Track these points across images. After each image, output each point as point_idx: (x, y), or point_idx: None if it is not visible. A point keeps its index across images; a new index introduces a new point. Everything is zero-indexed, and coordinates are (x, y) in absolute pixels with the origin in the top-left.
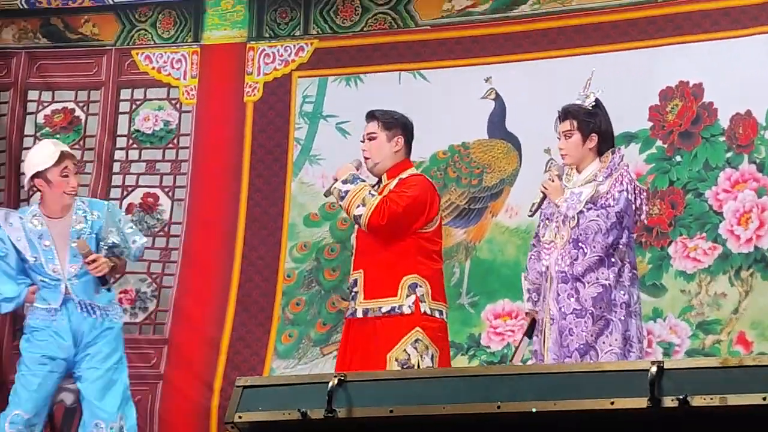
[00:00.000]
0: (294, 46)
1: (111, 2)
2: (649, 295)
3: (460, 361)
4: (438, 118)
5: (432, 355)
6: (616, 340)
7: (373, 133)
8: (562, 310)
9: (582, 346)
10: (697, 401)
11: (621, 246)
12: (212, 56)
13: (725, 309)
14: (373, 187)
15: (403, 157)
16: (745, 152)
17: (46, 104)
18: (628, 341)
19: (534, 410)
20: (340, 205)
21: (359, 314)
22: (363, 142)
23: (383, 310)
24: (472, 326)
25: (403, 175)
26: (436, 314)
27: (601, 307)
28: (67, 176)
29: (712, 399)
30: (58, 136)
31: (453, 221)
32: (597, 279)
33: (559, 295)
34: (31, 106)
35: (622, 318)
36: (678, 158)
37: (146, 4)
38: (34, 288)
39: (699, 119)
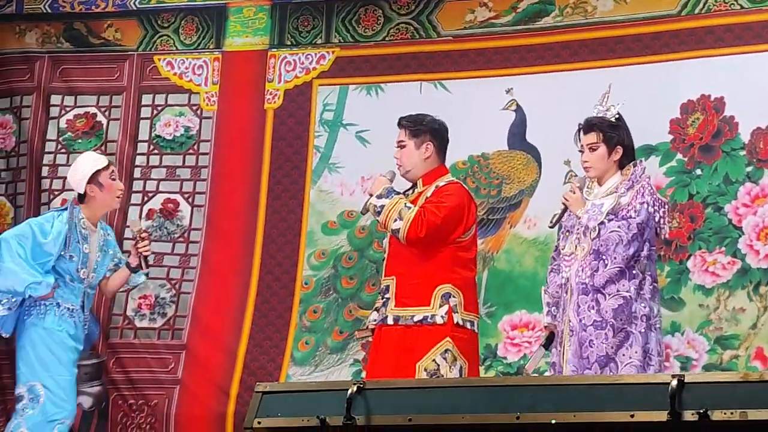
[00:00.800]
0: (315, 54)
1: (134, 8)
2: (667, 309)
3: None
4: (458, 129)
5: (460, 367)
6: (636, 352)
7: (402, 141)
8: (583, 321)
9: (602, 357)
10: (717, 415)
11: (642, 258)
12: (233, 63)
13: (743, 324)
14: (405, 193)
15: (437, 163)
16: (766, 167)
17: (68, 109)
18: (648, 354)
19: (553, 422)
20: (377, 221)
21: (390, 321)
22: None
23: (415, 318)
24: (488, 337)
25: (440, 183)
26: (468, 325)
27: (621, 320)
28: (115, 179)
29: (732, 413)
30: (80, 141)
31: None
32: (618, 291)
33: (579, 306)
34: (54, 111)
35: (643, 331)
36: (698, 172)
37: (169, 10)
38: (56, 285)
39: (720, 133)
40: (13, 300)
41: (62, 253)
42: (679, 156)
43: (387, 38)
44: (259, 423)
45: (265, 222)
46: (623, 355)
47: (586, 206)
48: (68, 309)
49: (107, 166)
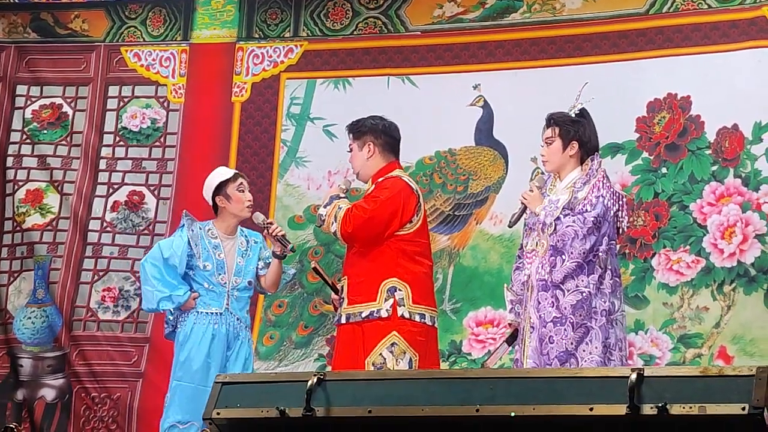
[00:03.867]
0: (283, 47)
1: None
2: (631, 307)
3: (440, 368)
4: (425, 124)
5: (410, 360)
6: (596, 348)
7: (350, 144)
8: (542, 317)
9: (562, 354)
10: (676, 409)
11: (600, 253)
12: (201, 55)
13: (707, 323)
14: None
15: (384, 161)
16: (731, 166)
17: (34, 99)
18: (609, 349)
19: (513, 414)
20: (325, 230)
21: (343, 320)
22: None
23: (363, 315)
24: (453, 333)
25: (380, 179)
26: (416, 318)
27: (581, 315)
28: (243, 191)
29: (691, 408)
30: (45, 131)
31: (437, 227)
32: (577, 286)
33: (539, 303)
34: (19, 101)
35: (603, 326)
36: (664, 170)
37: (136, 1)
38: (196, 295)
39: (686, 132)
40: (171, 318)
41: (195, 263)
42: (645, 154)
43: (355, 32)
44: (218, 413)
45: None
46: (583, 350)
47: (544, 203)
48: (208, 314)
49: (234, 178)
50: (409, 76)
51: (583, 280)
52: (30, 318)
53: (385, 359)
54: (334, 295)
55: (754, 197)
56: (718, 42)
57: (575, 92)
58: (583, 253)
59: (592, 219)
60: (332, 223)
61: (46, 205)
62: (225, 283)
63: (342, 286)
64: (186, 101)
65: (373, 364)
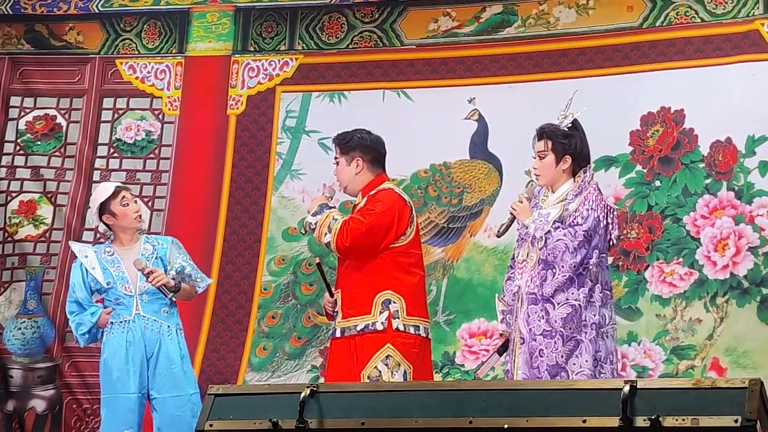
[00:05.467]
0: (279, 60)
1: (96, 11)
2: (624, 319)
3: (434, 379)
4: (420, 137)
5: (405, 372)
6: (586, 361)
7: (336, 158)
8: (532, 331)
9: (551, 367)
10: (669, 422)
11: (591, 266)
12: (196, 68)
13: (700, 335)
14: (355, 207)
15: (372, 175)
16: (724, 179)
17: (28, 110)
18: (599, 362)
19: (506, 426)
20: (315, 238)
21: (338, 334)
22: None
23: (358, 328)
24: (447, 344)
25: (372, 192)
26: (411, 330)
27: (570, 328)
28: (127, 204)
29: (684, 420)
30: (39, 142)
31: (432, 239)
32: (567, 299)
33: (529, 316)
34: (13, 112)
35: (593, 338)
36: (657, 183)
37: (132, 13)
38: (109, 310)
39: (679, 145)
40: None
41: (100, 286)
42: (639, 167)
43: (350, 46)
44: (210, 425)
45: (226, 227)
46: (573, 363)
47: (534, 216)
48: (120, 323)
49: (115, 194)
50: (405, 90)
51: (573, 293)
52: (20, 329)
53: (380, 372)
54: (327, 297)
55: (747, 210)
56: (711, 56)
57: (566, 101)
58: (574, 266)
59: (583, 232)
60: (325, 234)
61: (39, 216)
62: (131, 291)
63: (336, 300)
64: (181, 114)
65: (368, 377)
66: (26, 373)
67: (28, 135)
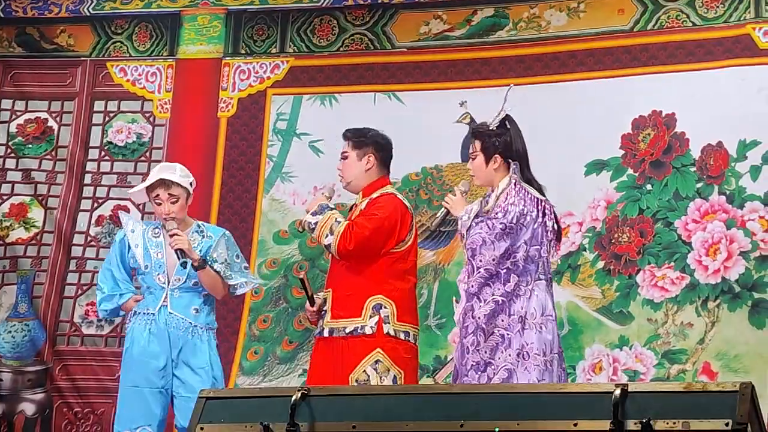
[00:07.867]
0: (270, 63)
1: (87, 13)
2: (615, 323)
3: (425, 383)
4: (412, 140)
5: (394, 377)
6: (510, 355)
7: (345, 152)
8: (467, 327)
9: (476, 363)
10: (660, 425)
11: (518, 260)
12: (187, 71)
13: (691, 339)
14: (352, 208)
15: (378, 175)
16: (716, 183)
17: (19, 113)
18: (528, 355)
19: (497, 430)
20: (313, 238)
21: (325, 333)
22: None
23: (347, 330)
24: (438, 348)
25: (374, 195)
26: (401, 336)
27: (493, 324)
28: (159, 204)
29: (675, 423)
30: (30, 145)
31: (423, 243)
32: (492, 295)
33: (465, 313)
34: (4, 115)
35: (518, 332)
36: (648, 187)
37: (123, 16)
38: (139, 298)
39: (670, 149)
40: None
41: (137, 264)
42: (630, 171)
43: (341, 49)
44: (201, 429)
45: None
46: (498, 358)
47: (463, 211)
48: (144, 314)
49: (152, 188)
50: (396, 93)
51: (499, 289)
52: (10, 332)
53: (368, 376)
54: (308, 306)
55: (739, 214)
56: (702, 60)
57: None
58: (494, 260)
59: (501, 225)
60: (326, 235)
61: (30, 219)
62: (163, 283)
63: (325, 299)
64: (172, 116)
65: (356, 381)
66: (16, 377)
67: (20, 138)
